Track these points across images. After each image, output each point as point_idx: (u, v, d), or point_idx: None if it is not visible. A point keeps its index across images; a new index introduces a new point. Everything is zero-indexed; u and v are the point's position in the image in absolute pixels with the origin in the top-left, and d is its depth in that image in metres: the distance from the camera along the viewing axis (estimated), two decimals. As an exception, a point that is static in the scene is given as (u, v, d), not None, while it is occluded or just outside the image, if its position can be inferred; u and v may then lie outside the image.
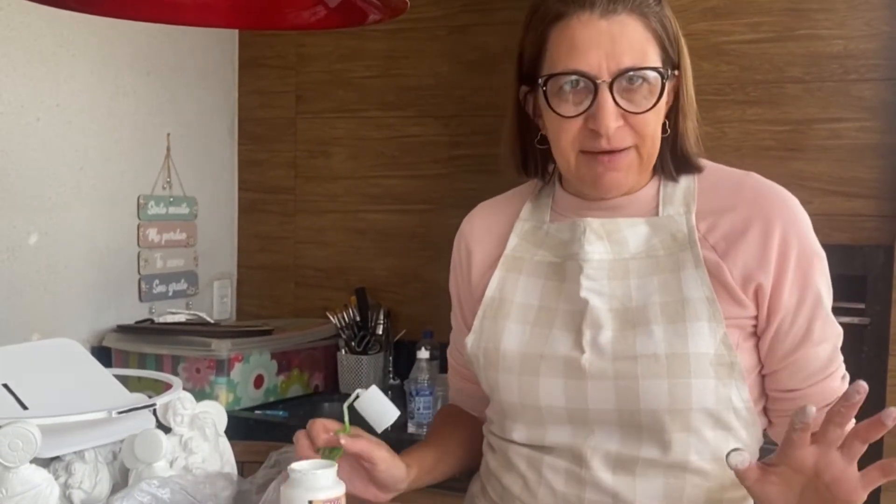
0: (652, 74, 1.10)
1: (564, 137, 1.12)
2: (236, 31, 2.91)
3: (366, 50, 2.80)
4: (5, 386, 1.20)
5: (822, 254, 1.15)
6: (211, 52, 2.88)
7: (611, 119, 1.08)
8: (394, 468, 1.16)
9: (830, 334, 1.15)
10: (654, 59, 1.11)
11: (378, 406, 1.14)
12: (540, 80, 1.12)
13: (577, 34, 1.09)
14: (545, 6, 1.13)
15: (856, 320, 1.91)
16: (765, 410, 1.18)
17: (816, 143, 2.07)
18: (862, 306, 1.93)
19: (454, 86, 2.69)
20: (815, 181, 2.05)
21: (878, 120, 2.03)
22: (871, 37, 2.03)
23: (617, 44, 1.08)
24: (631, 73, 1.08)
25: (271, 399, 2.53)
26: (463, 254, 1.31)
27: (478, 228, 1.30)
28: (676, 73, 1.15)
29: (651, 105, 1.10)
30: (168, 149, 2.71)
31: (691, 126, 1.18)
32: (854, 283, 1.93)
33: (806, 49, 2.08)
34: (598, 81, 1.08)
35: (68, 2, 1.26)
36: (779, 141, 2.10)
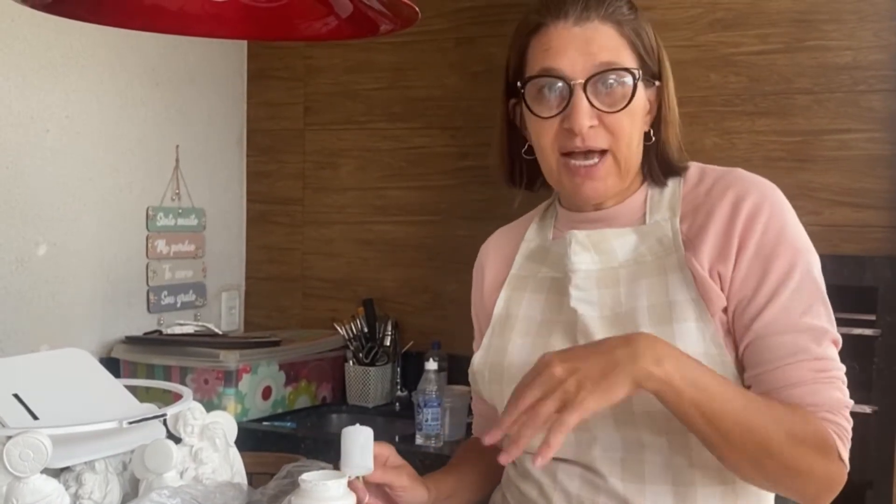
0: (624, 75, 1.14)
1: (544, 139, 1.17)
2: (245, 42, 2.93)
3: (373, 62, 2.81)
4: (16, 396, 1.20)
5: (804, 246, 1.12)
6: (220, 63, 2.90)
7: (584, 117, 1.12)
8: (415, 493, 1.19)
9: (805, 326, 1.08)
10: (628, 61, 1.15)
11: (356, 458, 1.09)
12: (519, 84, 1.18)
13: (552, 40, 1.15)
14: (525, 20, 1.20)
15: (866, 332, 1.90)
16: None
17: (825, 154, 2.07)
18: (872, 317, 1.92)
19: (461, 97, 2.70)
20: (825, 192, 2.05)
21: (887, 131, 2.03)
22: (879, 48, 2.03)
23: (590, 47, 1.13)
24: (603, 72, 1.13)
25: (279, 410, 2.53)
26: (478, 277, 1.36)
27: (492, 252, 1.36)
28: (658, 83, 1.19)
29: (624, 105, 1.13)
30: (177, 160, 2.72)
31: (674, 135, 1.22)
32: (864, 294, 1.92)
33: (815, 60, 2.09)
34: (573, 82, 1.13)
35: (81, 13, 1.26)
36: (788, 152, 2.10)
